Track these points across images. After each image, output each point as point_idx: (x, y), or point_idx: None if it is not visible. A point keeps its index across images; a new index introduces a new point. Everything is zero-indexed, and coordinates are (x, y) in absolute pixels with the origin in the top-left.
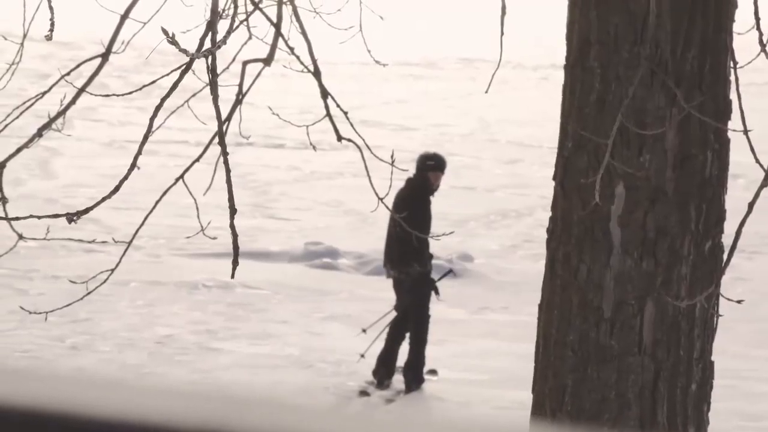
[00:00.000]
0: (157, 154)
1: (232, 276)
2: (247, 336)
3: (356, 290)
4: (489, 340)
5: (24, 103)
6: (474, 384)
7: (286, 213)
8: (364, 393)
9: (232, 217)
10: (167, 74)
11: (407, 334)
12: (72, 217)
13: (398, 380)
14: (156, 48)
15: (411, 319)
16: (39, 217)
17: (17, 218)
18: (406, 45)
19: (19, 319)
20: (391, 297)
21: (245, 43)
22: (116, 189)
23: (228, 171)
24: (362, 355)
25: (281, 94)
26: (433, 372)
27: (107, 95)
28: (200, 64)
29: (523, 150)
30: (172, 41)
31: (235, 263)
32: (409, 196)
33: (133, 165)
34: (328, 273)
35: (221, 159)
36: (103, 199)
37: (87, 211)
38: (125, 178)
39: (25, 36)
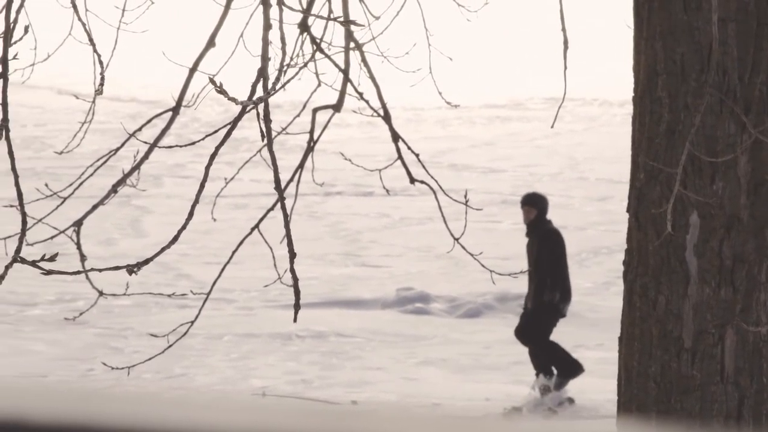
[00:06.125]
0: (247, 208)
1: (295, 320)
2: (343, 384)
3: (450, 334)
4: (585, 378)
5: (97, 160)
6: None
7: (377, 260)
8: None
9: (291, 261)
10: (227, 125)
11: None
12: (132, 269)
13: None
14: (208, 97)
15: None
16: (100, 270)
17: (78, 272)
18: (492, 87)
19: (115, 377)
20: (483, 339)
21: (314, 91)
22: (174, 239)
23: (286, 216)
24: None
25: (368, 142)
26: (571, 401)
27: (170, 147)
28: (274, 115)
29: (613, 187)
30: (221, 90)
31: (296, 307)
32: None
33: (191, 215)
34: (421, 318)
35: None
36: (163, 250)
37: (147, 262)
38: (183, 228)
39: (96, 93)
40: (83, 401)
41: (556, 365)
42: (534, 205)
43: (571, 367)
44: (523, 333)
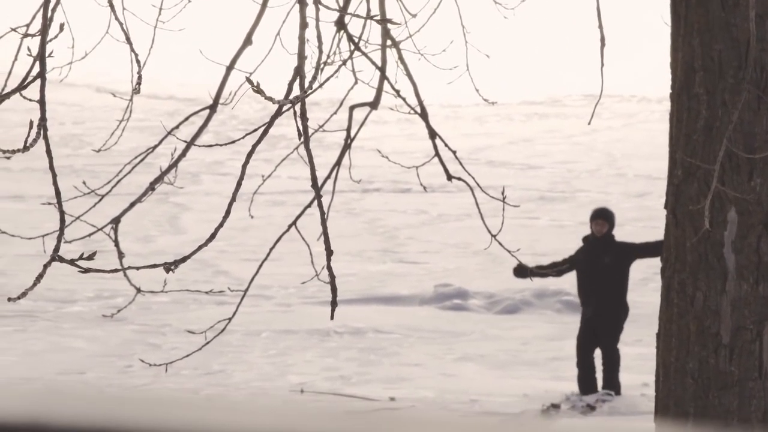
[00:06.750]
0: (284, 205)
1: (332, 317)
2: (381, 380)
3: (488, 330)
4: (623, 373)
5: (135, 158)
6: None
7: (414, 256)
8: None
9: (328, 258)
10: (264, 125)
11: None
12: (170, 266)
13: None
14: (246, 94)
15: (606, 348)
16: (138, 268)
17: (116, 270)
18: (529, 84)
19: (154, 374)
20: (521, 335)
21: (351, 88)
22: (212, 236)
23: (323, 213)
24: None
25: (405, 139)
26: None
27: (209, 146)
28: (312, 112)
29: (651, 183)
30: (258, 90)
31: (333, 304)
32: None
33: (228, 212)
34: (458, 314)
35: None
36: (200, 247)
37: (185, 259)
38: (221, 225)
39: (134, 92)
40: (100, 404)
41: (582, 379)
42: (607, 219)
43: (590, 385)
44: (607, 346)
